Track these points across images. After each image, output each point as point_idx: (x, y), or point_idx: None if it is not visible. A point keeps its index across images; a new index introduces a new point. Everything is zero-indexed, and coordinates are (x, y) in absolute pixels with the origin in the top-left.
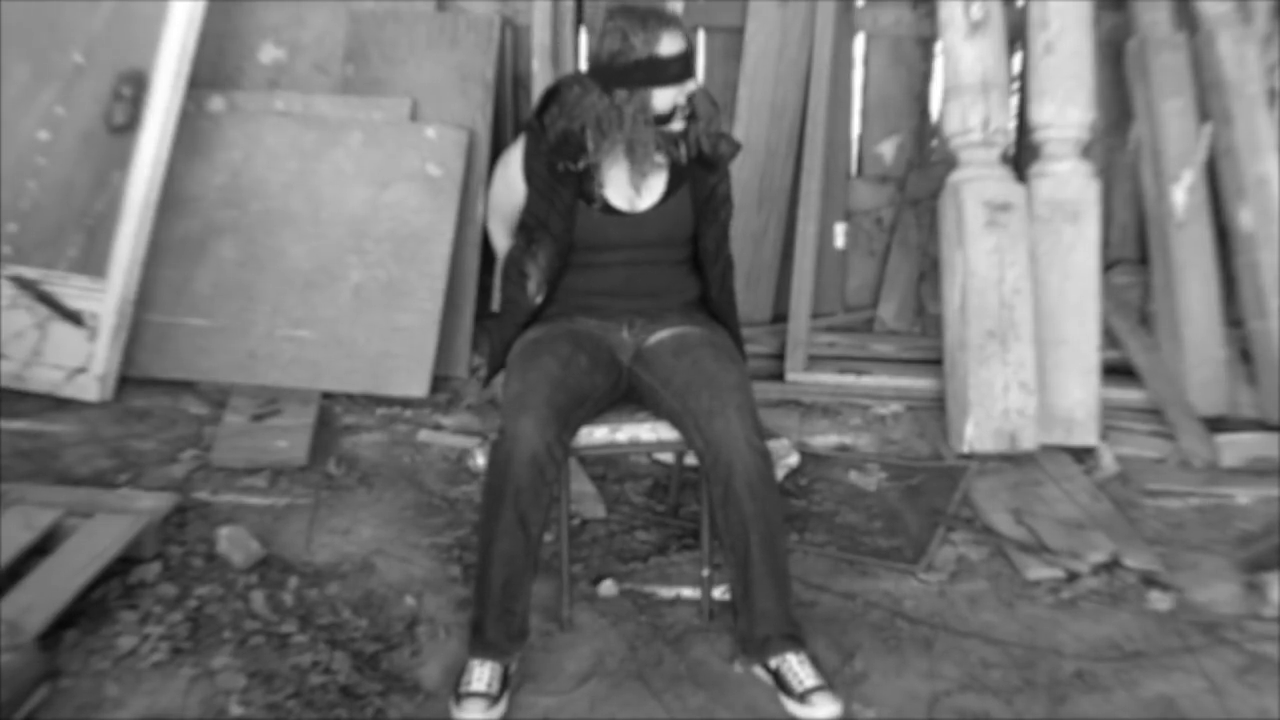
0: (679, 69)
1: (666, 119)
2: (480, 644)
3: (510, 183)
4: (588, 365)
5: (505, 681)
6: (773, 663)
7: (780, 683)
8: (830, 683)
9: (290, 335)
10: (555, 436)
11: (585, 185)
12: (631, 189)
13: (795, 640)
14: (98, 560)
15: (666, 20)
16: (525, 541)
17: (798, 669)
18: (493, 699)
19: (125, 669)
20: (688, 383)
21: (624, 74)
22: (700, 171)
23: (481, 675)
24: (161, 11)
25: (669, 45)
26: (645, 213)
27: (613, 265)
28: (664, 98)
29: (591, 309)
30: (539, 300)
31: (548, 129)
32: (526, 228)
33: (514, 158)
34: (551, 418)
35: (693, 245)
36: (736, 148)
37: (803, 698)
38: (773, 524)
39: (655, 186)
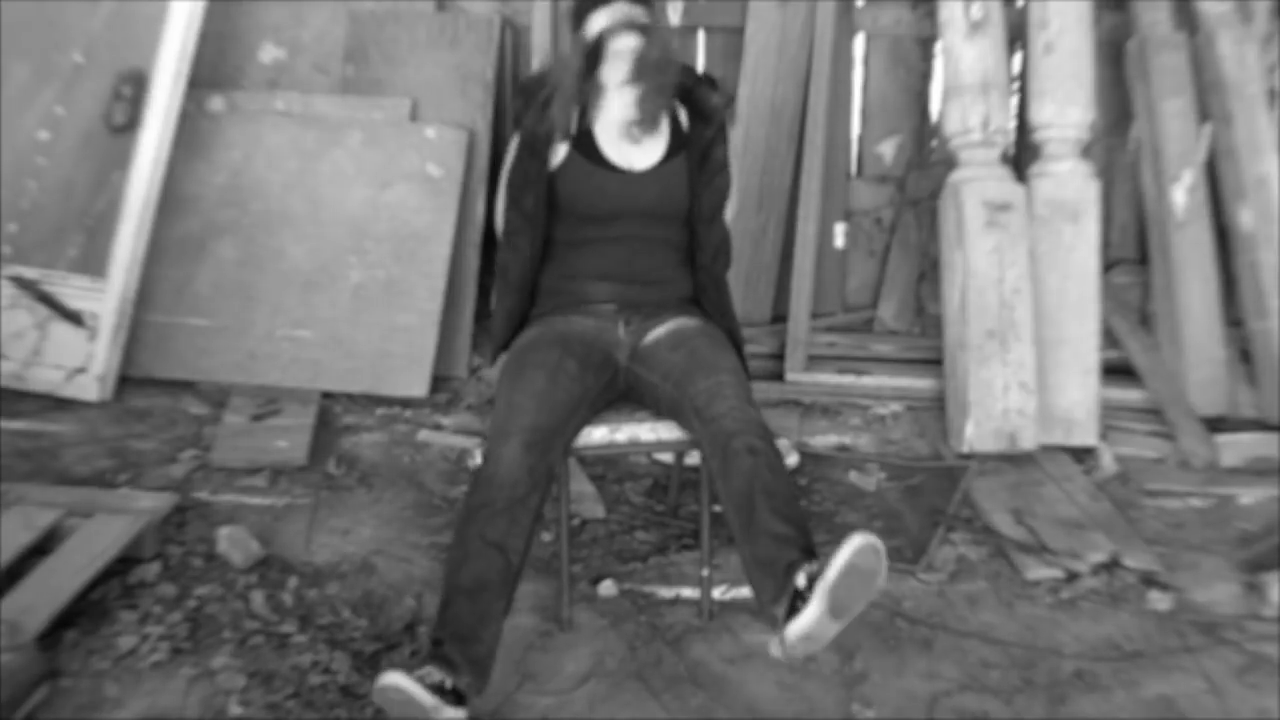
0: None
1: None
2: (437, 657)
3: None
4: (576, 370)
5: (460, 696)
6: (801, 580)
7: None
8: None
9: (290, 335)
10: (540, 458)
11: (584, 142)
12: (627, 140)
13: (811, 554)
14: (98, 560)
15: None
16: (503, 568)
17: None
18: (445, 693)
19: (125, 669)
20: (685, 371)
21: (579, 11)
22: (697, 128)
23: (433, 673)
24: (161, 11)
25: None
26: (643, 174)
27: (611, 241)
28: (600, 20)
29: (588, 303)
30: (529, 252)
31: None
32: (513, 185)
33: (516, 134)
34: (536, 441)
35: (689, 229)
36: (730, 99)
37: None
38: (777, 473)
39: (654, 147)
